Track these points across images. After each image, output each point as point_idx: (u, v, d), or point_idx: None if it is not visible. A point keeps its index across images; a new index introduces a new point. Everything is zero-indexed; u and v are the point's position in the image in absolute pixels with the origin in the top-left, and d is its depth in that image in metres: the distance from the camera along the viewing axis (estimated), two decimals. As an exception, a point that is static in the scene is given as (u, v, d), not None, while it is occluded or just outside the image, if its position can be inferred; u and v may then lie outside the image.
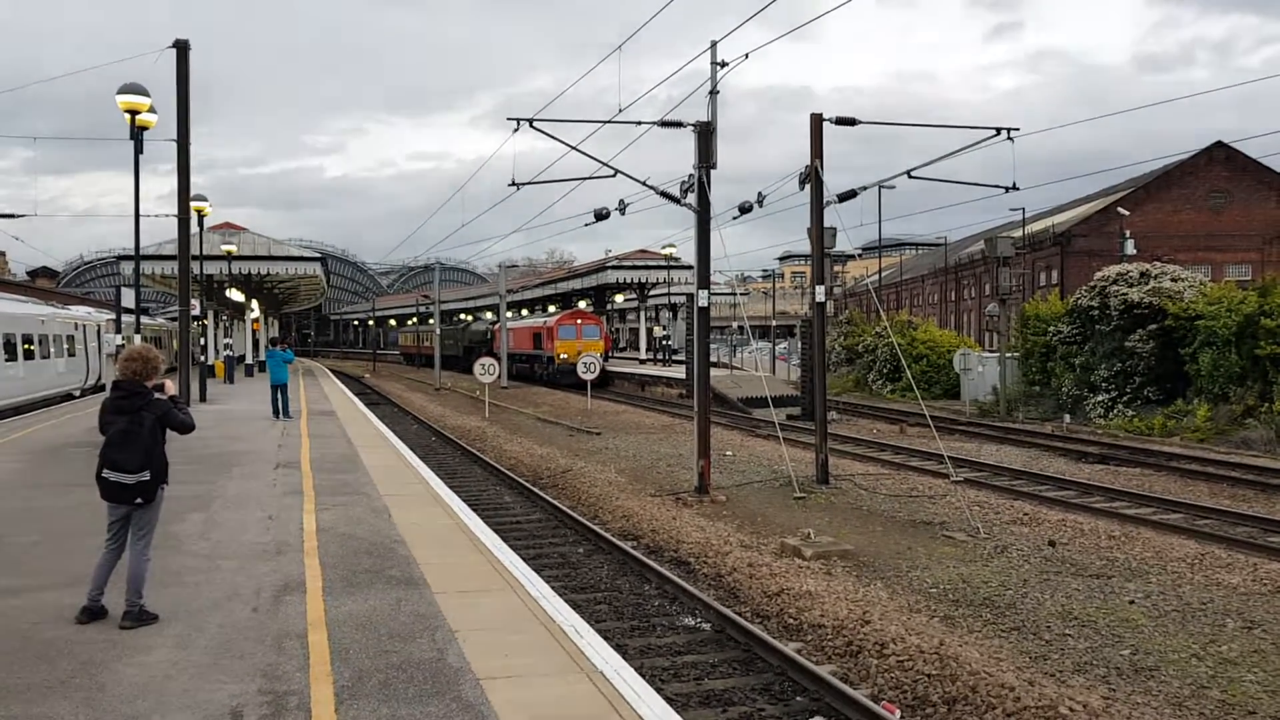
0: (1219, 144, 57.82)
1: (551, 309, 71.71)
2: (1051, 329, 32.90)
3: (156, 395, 7.35)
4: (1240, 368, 25.85)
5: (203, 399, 30.53)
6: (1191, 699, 7.87)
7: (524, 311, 79.15)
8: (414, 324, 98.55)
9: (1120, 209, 55.53)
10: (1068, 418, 29.55)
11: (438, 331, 60.97)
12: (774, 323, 66.38)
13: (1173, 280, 29.63)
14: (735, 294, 57.03)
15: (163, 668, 6.28)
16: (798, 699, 8.27)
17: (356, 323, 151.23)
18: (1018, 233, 57.02)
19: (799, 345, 41.42)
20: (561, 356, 48.77)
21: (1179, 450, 22.96)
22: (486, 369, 34.70)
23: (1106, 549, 13.00)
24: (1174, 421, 26.58)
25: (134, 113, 22.34)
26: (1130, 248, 47.58)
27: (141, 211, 24.00)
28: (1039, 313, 34.48)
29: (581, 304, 66.93)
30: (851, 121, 19.17)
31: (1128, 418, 28.03)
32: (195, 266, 33.94)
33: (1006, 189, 19.84)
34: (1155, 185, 58.94)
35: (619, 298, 73.20)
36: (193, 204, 29.56)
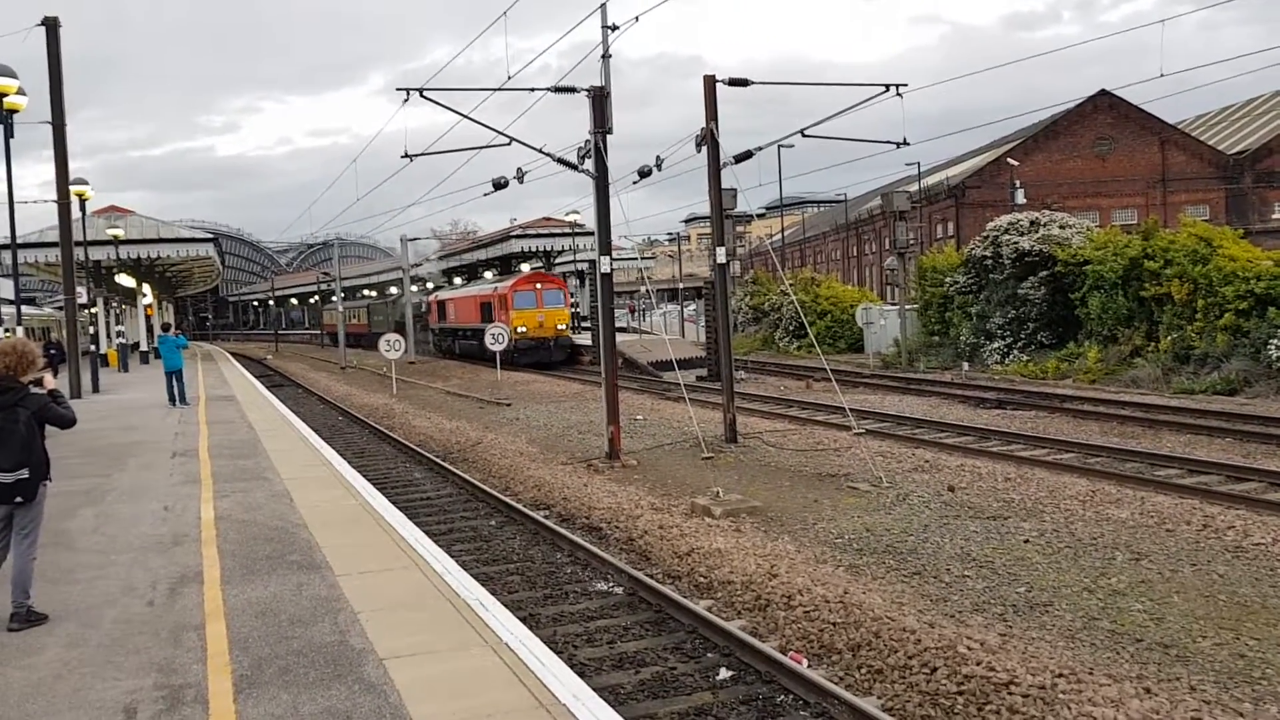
0: (1103, 92, 59.08)
1: (458, 281, 70.76)
2: (948, 280, 33.66)
3: (34, 390, 7.12)
4: (1127, 309, 26.79)
5: (96, 389, 29.55)
6: (1083, 631, 8.18)
7: (456, 280, 77.34)
8: (316, 301, 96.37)
9: (1010, 159, 56.78)
10: (966, 365, 30.36)
11: (340, 310, 59.87)
12: (681, 285, 66.46)
13: (1061, 227, 30.51)
14: (639, 259, 56.92)
15: (53, 668, 6.10)
16: (709, 655, 8.38)
17: (256, 303, 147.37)
18: (913, 187, 57.95)
19: (705, 307, 41.59)
20: (520, 330, 41.24)
21: (1071, 392, 23.74)
22: (392, 345, 34.41)
23: (1003, 491, 13.40)
24: (1066, 364, 27.48)
25: (1, 95, 21.40)
26: (1021, 197, 48.80)
27: (21, 198, 23.04)
28: (936, 264, 35.24)
29: (488, 274, 66.17)
30: (744, 82, 19.22)
31: (1023, 362, 28.89)
32: (80, 253, 32.72)
33: (898, 144, 20.21)
34: (1043, 135, 60.28)
35: (525, 267, 72.61)
36: (73, 188, 28.45)
